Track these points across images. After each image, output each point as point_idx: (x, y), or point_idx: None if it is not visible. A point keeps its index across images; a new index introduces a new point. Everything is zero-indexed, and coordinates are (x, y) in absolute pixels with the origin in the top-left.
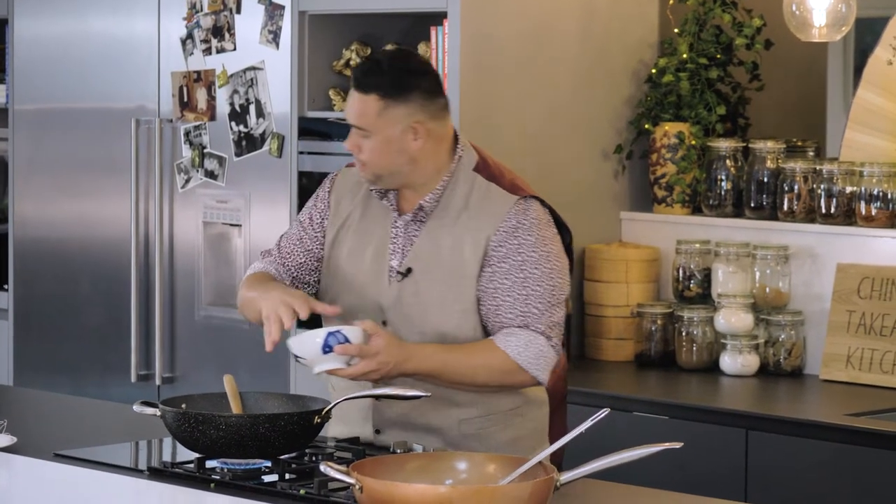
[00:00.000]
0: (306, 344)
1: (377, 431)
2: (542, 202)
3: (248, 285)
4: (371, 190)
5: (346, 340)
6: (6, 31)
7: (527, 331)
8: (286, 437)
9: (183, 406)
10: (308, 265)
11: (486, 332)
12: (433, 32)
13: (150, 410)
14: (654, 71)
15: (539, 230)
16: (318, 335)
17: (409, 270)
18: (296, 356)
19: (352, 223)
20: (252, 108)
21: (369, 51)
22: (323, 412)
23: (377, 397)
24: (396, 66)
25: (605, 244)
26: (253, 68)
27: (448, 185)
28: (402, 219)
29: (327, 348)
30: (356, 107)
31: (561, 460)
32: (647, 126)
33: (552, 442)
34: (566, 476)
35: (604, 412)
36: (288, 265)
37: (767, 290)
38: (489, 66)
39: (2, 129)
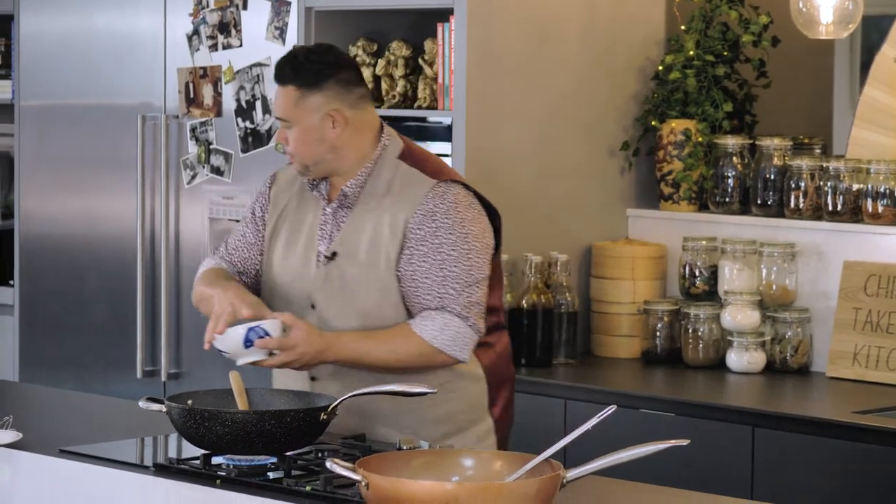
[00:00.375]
0: (229, 339)
1: (313, 378)
2: (466, 186)
3: (204, 281)
4: (304, 181)
5: (266, 334)
6: (12, 27)
7: (443, 313)
8: (292, 434)
9: (189, 402)
10: (252, 259)
11: (409, 311)
12: (440, 29)
13: (155, 407)
14: (660, 68)
15: (457, 213)
16: (238, 330)
17: (334, 254)
18: (219, 350)
19: (287, 214)
20: (258, 104)
21: (375, 47)
22: (329, 409)
23: (383, 394)
24: (311, 58)
25: (611, 241)
26: (259, 64)
27: (372, 172)
28: (331, 206)
29: (248, 342)
30: (278, 100)
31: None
32: (653, 123)
33: (494, 418)
34: (573, 473)
35: (610, 409)
36: (234, 260)
37: (774, 287)
38: (495, 62)
39: (7, 124)
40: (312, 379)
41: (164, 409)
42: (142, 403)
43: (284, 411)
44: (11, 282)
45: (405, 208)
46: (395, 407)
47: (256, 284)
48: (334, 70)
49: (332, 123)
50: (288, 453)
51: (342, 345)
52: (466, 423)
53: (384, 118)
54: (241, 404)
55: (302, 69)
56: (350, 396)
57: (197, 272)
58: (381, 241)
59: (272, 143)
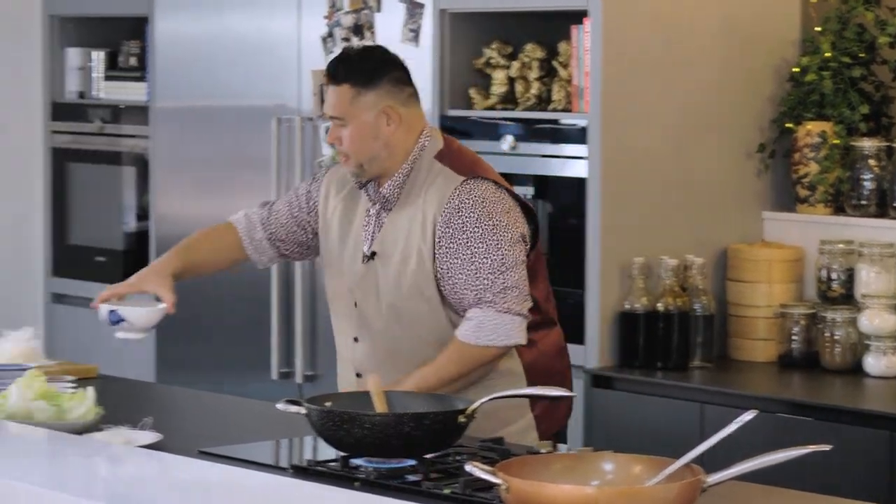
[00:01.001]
0: (101, 312)
1: (358, 375)
2: (497, 183)
3: (200, 232)
4: (354, 183)
5: (121, 320)
6: (147, 29)
7: (475, 310)
8: (431, 436)
9: (327, 405)
10: (289, 227)
11: (445, 305)
12: (574, 31)
13: (294, 409)
14: (796, 69)
15: (483, 206)
16: (102, 308)
17: (373, 254)
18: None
19: (336, 213)
20: None
21: (510, 49)
22: (468, 411)
23: (525, 397)
24: (365, 56)
25: (747, 244)
26: None
27: (411, 173)
28: (374, 207)
29: (113, 321)
30: (331, 99)
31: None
32: (789, 125)
33: (535, 413)
34: (713, 477)
35: (750, 414)
36: (271, 221)
37: None
38: (630, 64)
39: (143, 126)
40: (358, 376)
41: (303, 412)
42: (280, 405)
43: (423, 414)
44: None
45: (433, 206)
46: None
47: (288, 249)
48: (387, 68)
49: (386, 120)
50: (427, 456)
51: (408, 386)
52: (508, 419)
53: (519, 121)
54: (380, 406)
55: (356, 67)
56: (489, 400)
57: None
58: (412, 241)
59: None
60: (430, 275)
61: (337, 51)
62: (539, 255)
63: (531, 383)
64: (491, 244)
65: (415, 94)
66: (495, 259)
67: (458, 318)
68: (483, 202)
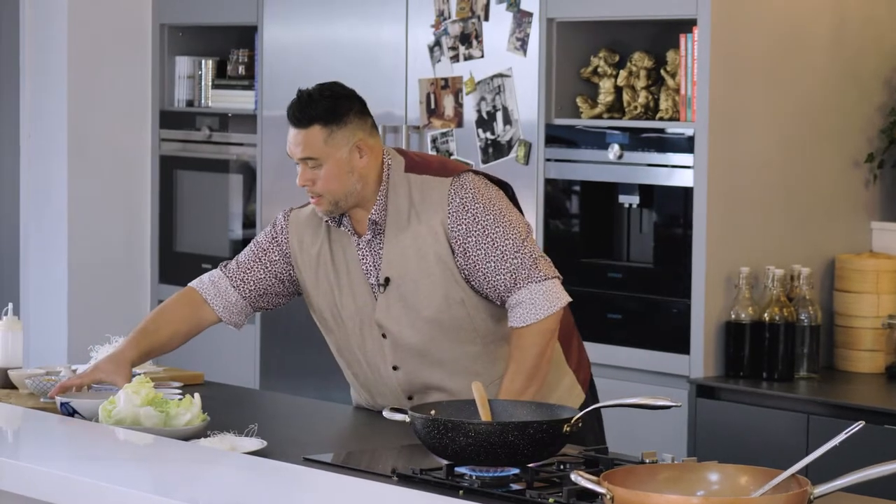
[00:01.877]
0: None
1: (409, 398)
2: (474, 171)
3: (157, 311)
4: (326, 221)
5: (74, 412)
6: (256, 38)
7: (520, 291)
8: (535, 445)
9: (432, 413)
10: (274, 287)
11: (480, 301)
12: (682, 40)
13: (399, 417)
14: None
15: (482, 196)
16: (58, 402)
17: (387, 280)
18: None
19: (324, 260)
20: (499, 115)
21: (617, 58)
22: (573, 420)
23: (628, 406)
24: (326, 94)
25: (855, 254)
26: (500, 75)
27: (388, 193)
28: (363, 239)
29: (65, 414)
30: (300, 141)
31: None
32: None
33: (573, 368)
34: (820, 489)
35: (858, 425)
36: (246, 279)
37: None
38: (739, 72)
39: (250, 135)
40: (409, 398)
41: (408, 420)
42: (386, 413)
43: (528, 423)
44: None
45: (436, 212)
46: (482, 374)
47: (268, 303)
48: (350, 102)
49: (359, 154)
50: (530, 465)
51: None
52: (552, 382)
53: (625, 129)
54: (484, 415)
55: (322, 107)
56: (594, 409)
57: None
58: (427, 251)
59: (513, 154)
60: (457, 277)
61: (445, 59)
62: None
63: (560, 341)
64: (505, 225)
65: (374, 122)
66: (514, 237)
67: (495, 308)
68: (479, 191)
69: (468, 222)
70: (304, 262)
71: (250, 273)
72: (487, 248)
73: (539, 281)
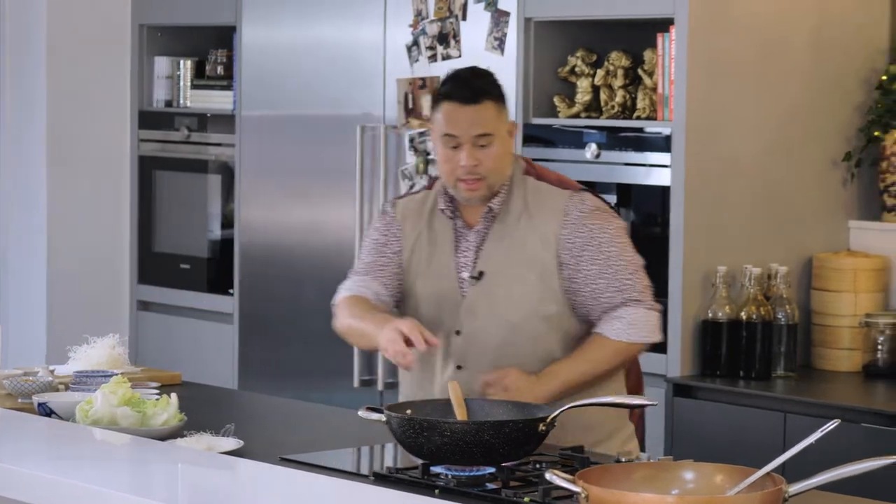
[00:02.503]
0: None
1: (458, 367)
2: (593, 193)
3: (350, 312)
4: (441, 210)
5: (52, 412)
6: (234, 38)
7: (624, 309)
8: (511, 444)
9: (408, 412)
10: (399, 275)
11: (565, 322)
12: (660, 39)
13: (375, 416)
14: (884, 77)
15: (601, 214)
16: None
17: (481, 274)
18: None
19: (421, 244)
20: None
21: (595, 57)
22: (548, 419)
23: (605, 405)
24: (486, 73)
25: (832, 253)
26: None
27: (509, 190)
28: (473, 231)
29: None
30: (473, 118)
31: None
32: (877, 133)
33: (633, 420)
34: (795, 487)
35: (833, 423)
36: (387, 275)
37: None
38: (716, 72)
39: (229, 135)
40: (458, 367)
41: (384, 419)
42: (361, 413)
43: (503, 422)
44: (231, 291)
45: (550, 220)
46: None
47: (397, 294)
48: (499, 83)
49: (510, 135)
50: (506, 464)
51: (555, 386)
52: (613, 430)
53: (603, 129)
54: (460, 414)
55: (489, 82)
56: (568, 408)
57: (338, 295)
58: (533, 255)
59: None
60: (555, 290)
61: (423, 59)
62: None
63: (627, 385)
64: (620, 246)
65: None
66: (628, 259)
67: (579, 330)
68: (598, 210)
69: (585, 236)
70: (405, 243)
71: (384, 269)
72: (601, 264)
73: (647, 308)
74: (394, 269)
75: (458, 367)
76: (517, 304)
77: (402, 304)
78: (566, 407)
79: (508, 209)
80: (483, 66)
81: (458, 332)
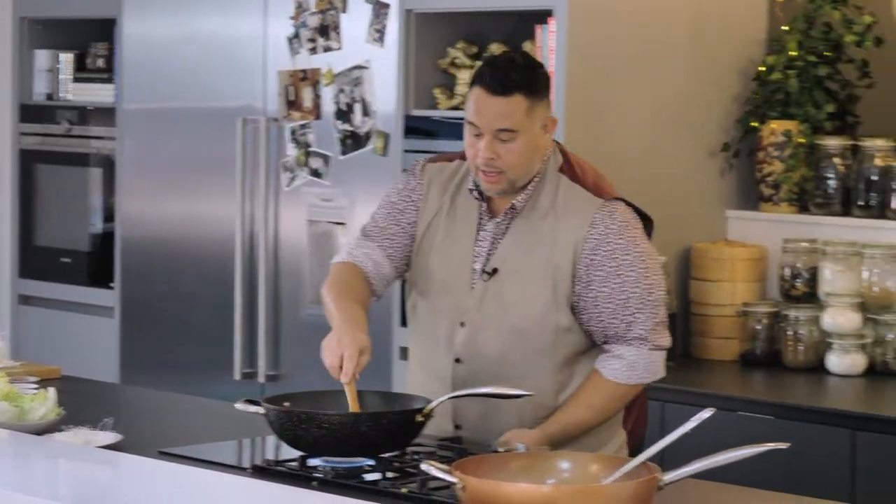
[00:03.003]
0: None
1: (457, 427)
2: (626, 202)
3: (332, 285)
4: (471, 190)
5: None
6: (115, 31)
7: (627, 348)
8: (388, 436)
9: (286, 404)
10: (401, 240)
11: (572, 332)
12: (538, 31)
13: (253, 409)
14: (762, 68)
15: (628, 232)
16: None
17: (494, 270)
18: None
19: (440, 219)
20: (357, 106)
21: (475, 49)
22: (425, 410)
23: (484, 396)
24: (528, 64)
25: (711, 242)
26: (359, 67)
27: (537, 186)
28: (493, 221)
29: None
30: (500, 110)
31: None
32: (754, 124)
33: (627, 428)
34: (670, 476)
35: (708, 412)
36: (386, 237)
37: (875, 289)
38: (596, 64)
39: (110, 128)
40: (457, 427)
41: (262, 412)
42: (239, 405)
43: (381, 413)
44: (112, 284)
45: (573, 229)
46: (531, 421)
47: (403, 265)
48: (546, 74)
49: (545, 132)
50: (384, 455)
51: (551, 433)
52: (604, 439)
53: None
54: (353, 406)
55: (527, 76)
56: (446, 399)
57: (339, 254)
58: (550, 260)
59: (371, 146)
60: (565, 298)
61: (304, 51)
62: None
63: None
64: (640, 272)
65: None
66: (644, 288)
67: (584, 343)
68: (627, 227)
69: (604, 254)
70: (424, 207)
71: (390, 238)
72: (614, 287)
73: (650, 349)
74: (404, 239)
75: (457, 361)
76: (527, 310)
77: (411, 275)
78: (442, 399)
79: (535, 206)
80: (364, 58)
81: (462, 324)
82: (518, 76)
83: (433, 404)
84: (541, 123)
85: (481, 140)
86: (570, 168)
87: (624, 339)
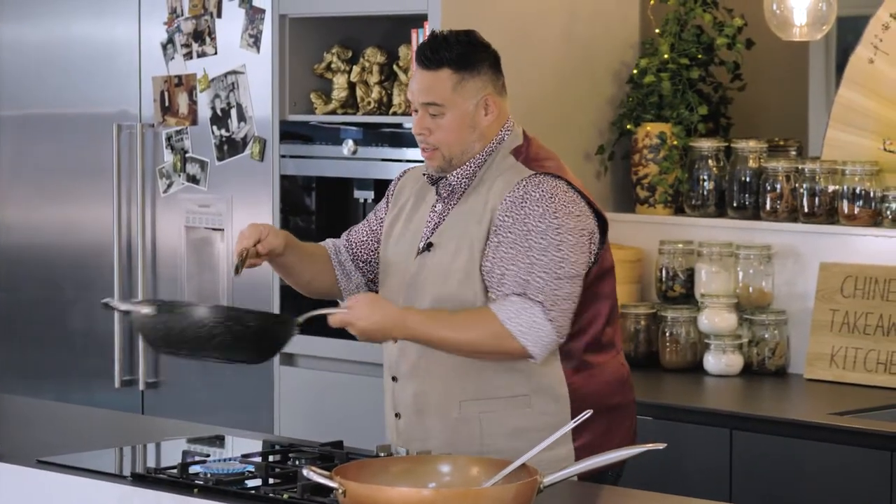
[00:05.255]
0: None
1: (397, 415)
2: (570, 184)
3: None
4: (424, 175)
5: None
6: None
7: (523, 298)
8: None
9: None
10: (368, 244)
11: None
12: (414, 35)
13: (124, 307)
14: (635, 71)
15: (551, 202)
16: None
17: (429, 245)
18: None
19: (403, 213)
20: (233, 112)
21: (350, 54)
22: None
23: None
24: (462, 40)
25: None
26: (234, 72)
27: (483, 165)
28: (440, 202)
29: None
30: (425, 83)
31: (621, 469)
32: (628, 126)
33: (575, 445)
34: (550, 478)
35: (586, 413)
36: (352, 241)
37: (751, 289)
38: None
39: None
40: (397, 416)
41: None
42: (109, 301)
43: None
44: None
45: (495, 197)
46: (462, 413)
47: (372, 270)
48: (486, 53)
49: (485, 110)
50: (259, 459)
51: (412, 322)
52: (535, 443)
53: (359, 125)
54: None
55: (457, 51)
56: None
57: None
58: (468, 231)
59: (247, 151)
60: (477, 269)
61: (178, 57)
62: (605, 269)
63: (575, 412)
64: (552, 242)
65: (504, 84)
66: (554, 259)
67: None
68: (551, 198)
69: (516, 218)
70: (391, 209)
71: (358, 234)
72: (518, 251)
73: (543, 315)
74: (365, 235)
75: (394, 340)
76: (444, 282)
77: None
78: (306, 316)
79: (477, 187)
80: (240, 63)
81: (401, 301)
82: (448, 51)
83: (302, 318)
84: (474, 101)
85: (416, 115)
86: (526, 151)
87: (519, 296)
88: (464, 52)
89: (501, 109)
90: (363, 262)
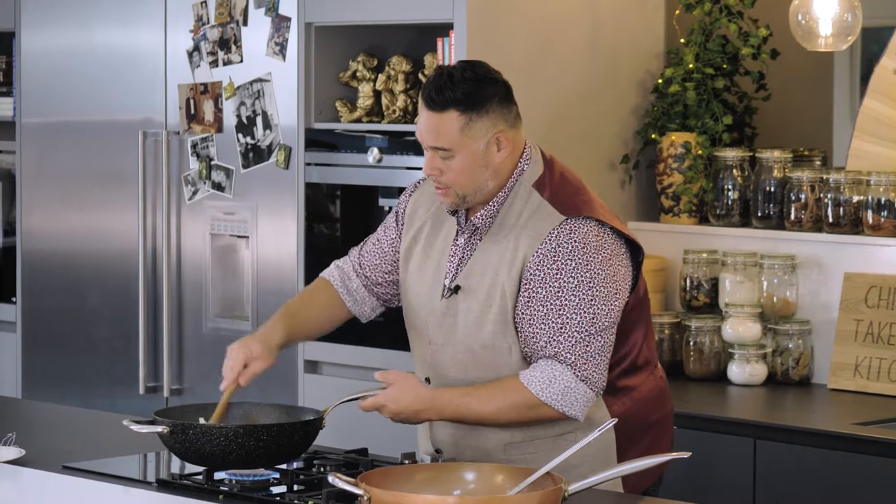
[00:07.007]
0: None
1: (437, 451)
2: (601, 223)
3: (298, 295)
4: (444, 206)
5: None
6: (13, 43)
7: (553, 363)
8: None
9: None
10: (381, 267)
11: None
12: (439, 44)
13: (146, 429)
14: (660, 81)
15: (583, 253)
16: None
17: (457, 288)
18: None
19: (421, 237)
20: (259, 119)
21: (375, 62)
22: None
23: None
24: (469, 77)
25: None
26: (259, 80)
27: (506, 201)
28: (463, 235)
29: None
30: (432, 126)
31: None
32: (653, 136)
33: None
34: (574, 486)
35: (611, 422)
36: (364, 263)
37: (775, 299)
38: None
39: (9, 142)
40: (437, 451)
41: (157, 429)
42: (129, 424)
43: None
44: (14, 299)
45: (526, 245)
46: (508, 455)
47: (387, 292)
48: (495, 87)
49: (497, 147)
50: (290, 468)
51: (442, 403)
52: (589, 474)
53: (384, 133)
54: (215, 416)
55: (462, 90)
56: (321, 417)
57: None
58: (498, 278)
59: (272, 159)
60: (509, 319)
61: (204, 64)
62: (640, 297)
63: (622, 437)
64: (584, 299)
65: (518, 112)
66: (586, 316)
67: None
68: (584, 248)
69: (549, 272)
70: (406, 231)
71: (370, 257)
72: (552, 309)
73: (578, 378)
74: (378, 259)
75: (427, 381)
76: (477, 332)
77: (397, 290)
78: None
79: (503, 223)
80: (265, 71)
81: (430, 342)
82: (453, 91)
83: (328, 409)
84: (484, 140)
85: (426, 155)
86: (550, 181)
87: (549, 359)
88: (470, 92)
89: (515, 142)
90: (376, 286)
